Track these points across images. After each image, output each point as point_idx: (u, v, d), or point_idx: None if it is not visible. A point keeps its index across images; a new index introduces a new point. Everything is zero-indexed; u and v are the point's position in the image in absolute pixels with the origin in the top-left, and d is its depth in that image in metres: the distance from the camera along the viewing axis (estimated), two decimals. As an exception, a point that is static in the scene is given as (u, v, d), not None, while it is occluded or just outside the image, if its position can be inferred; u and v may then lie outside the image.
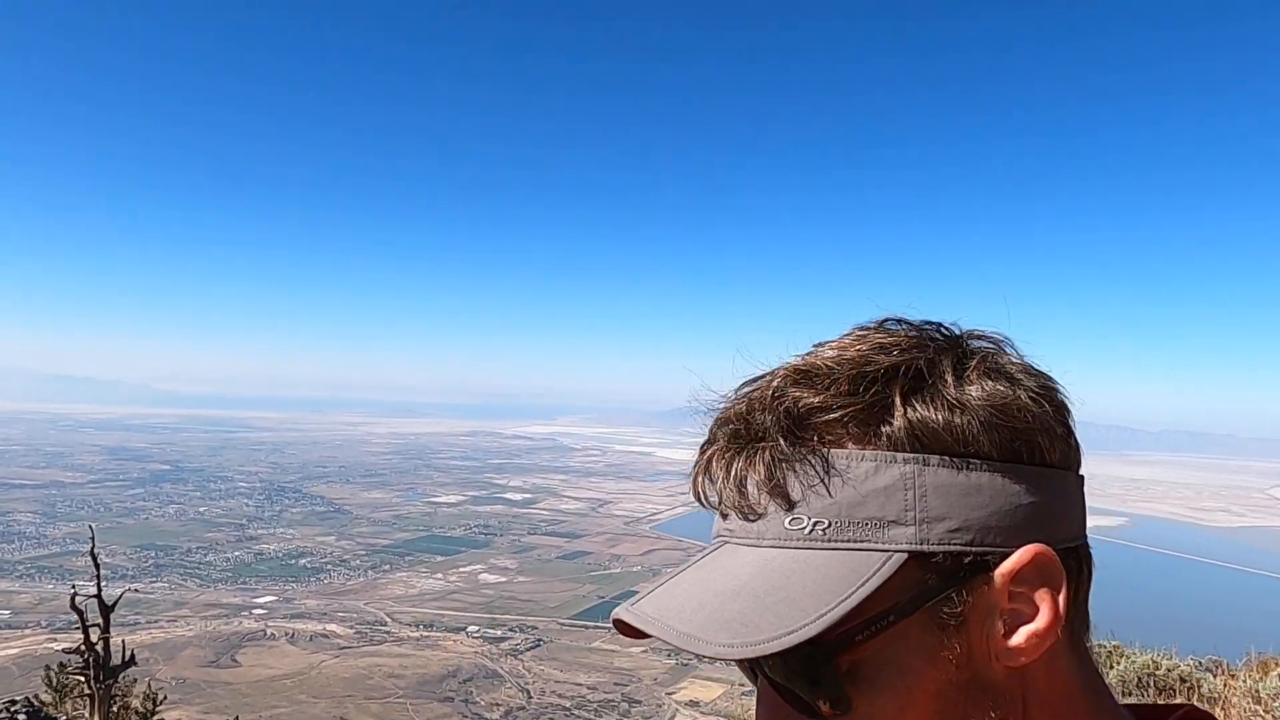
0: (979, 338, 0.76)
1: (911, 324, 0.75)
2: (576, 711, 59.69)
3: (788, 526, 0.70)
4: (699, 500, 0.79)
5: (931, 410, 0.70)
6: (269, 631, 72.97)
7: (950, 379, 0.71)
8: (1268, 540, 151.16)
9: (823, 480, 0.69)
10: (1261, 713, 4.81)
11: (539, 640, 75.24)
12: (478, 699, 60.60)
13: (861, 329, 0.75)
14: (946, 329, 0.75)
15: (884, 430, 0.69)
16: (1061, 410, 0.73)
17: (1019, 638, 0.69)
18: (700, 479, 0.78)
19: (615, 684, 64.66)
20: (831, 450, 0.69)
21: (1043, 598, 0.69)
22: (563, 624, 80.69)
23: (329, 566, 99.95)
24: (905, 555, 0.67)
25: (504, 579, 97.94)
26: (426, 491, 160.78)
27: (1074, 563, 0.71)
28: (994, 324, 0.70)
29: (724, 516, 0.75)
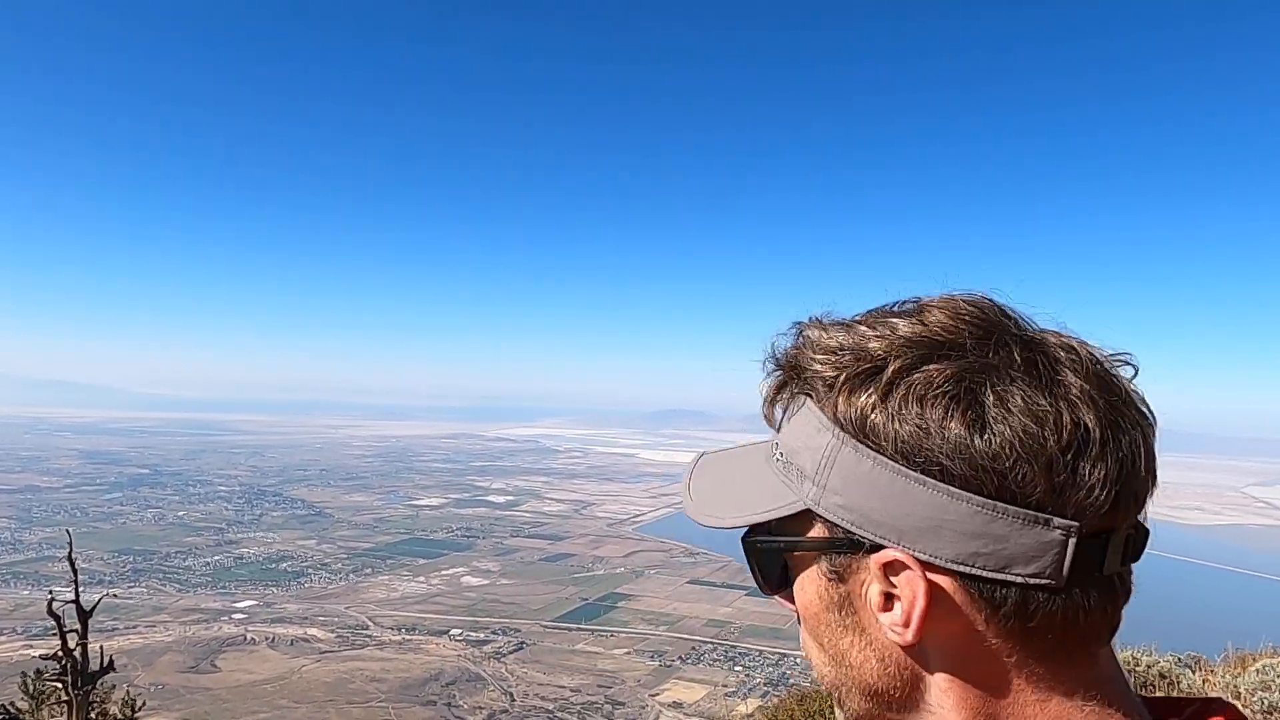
0: (1059, 343, 0.78)
1: (968, 317, 0.79)
2: (560, 714, 59.58)
3: (772, 445, 0.87)
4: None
5: (862, 400, 0.78)
6: (249, 636, 72.44)
7: (892, 381, 0.77)
8: (1243, 538, 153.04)
9: (791, 422, 0.84)
10: (1241, 706, 4.86)
11: (522, 643, 75.04)
12: (460, 702, 60.37)
13: (920, 304, 0.82)
14: (1013, 332, 0.79)
15: (831, 402, 0.80)
16: (1026, 451, 0.73)
17: (884, 618, 0.79)
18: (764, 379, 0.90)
19: (599, 686, 64.59)
20: (805, 400, 0.83)
21: (904, 598, 0.77)
22: (546, 626, 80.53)
23: (310, 570, 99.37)
24: (802, 506, 0.81)
25: (486, 582, 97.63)
26: (408, 494, 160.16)
27: (987, 590, 0.75)
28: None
29: (776, 429, 0.89)
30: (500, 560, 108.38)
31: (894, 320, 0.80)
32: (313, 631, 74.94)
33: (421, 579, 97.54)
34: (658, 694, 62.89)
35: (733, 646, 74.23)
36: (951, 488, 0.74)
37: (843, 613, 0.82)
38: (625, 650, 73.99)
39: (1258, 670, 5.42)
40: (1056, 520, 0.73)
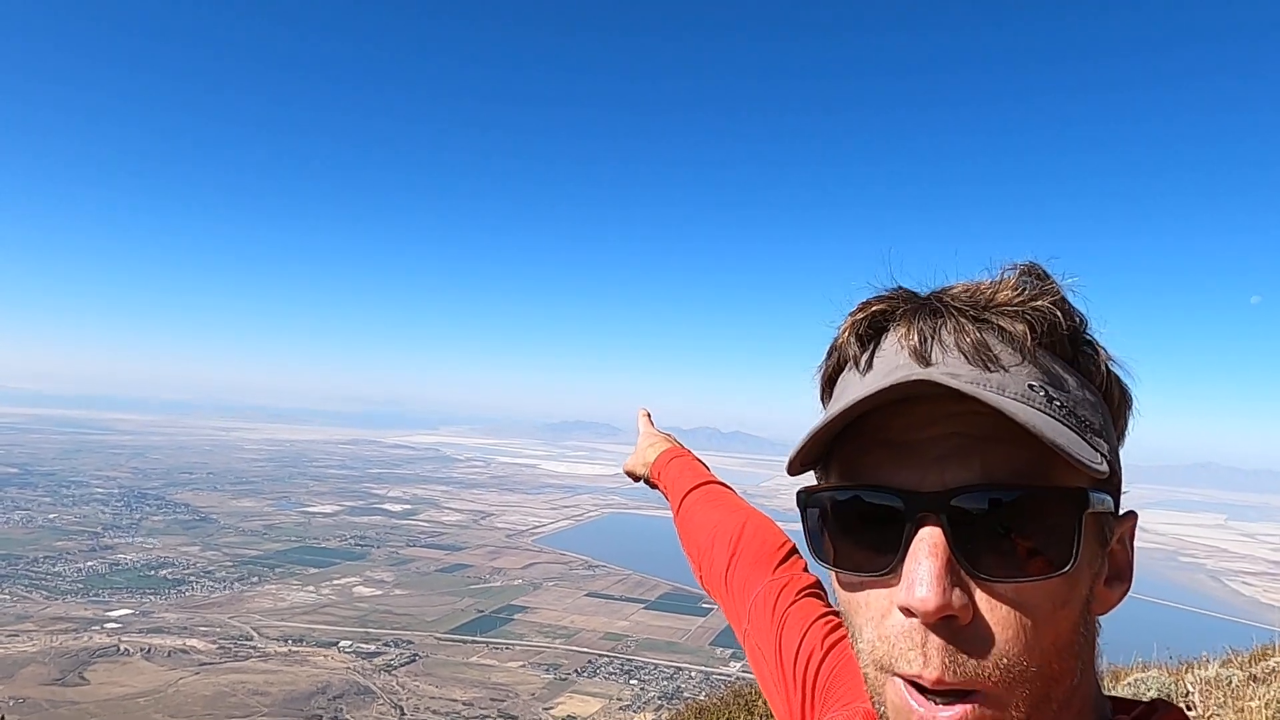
0: None
1: None
2: (451, 728, 58.52)
3: (1029, 389, 0.75)
4: (852, 346, 0.82)
5: (1116, 375, 0.81)
6: (122, 647, 68.83)
7: (1098, 342, 0.82)
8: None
9: (1063, 367, 0.78)
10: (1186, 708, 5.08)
11: (415, 655, 73.48)
12: (347, 717, 58.66)
13: (1032, 267, 0.83)
14: None
15: (1086, 361, 0.78)
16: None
17: (1114, 590, 0.76)
18: (912, 321, 0.79)
19: (492, 700, 63.73)
20: (1066, 348, 0.79)
21: (1129, 561, 0.78)
22: (440, 638, 79.07)
23: (192, 578, 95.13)
24: (1107, 463, 0.74)
25: (380, 592, 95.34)
26: (301, 501, 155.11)
27: None
28: None
29: (928, 364, 0.77)
30: (395, 570, 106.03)
31: (1053, 286, 0.81)
32: (192, 642, 71.70)
33: (311, 588, 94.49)
34: (552, 707, 62.35)
35: (629, 660, 74.30)
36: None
37: (1092, 587, 0.76)
38: (520, 663, 73.22)
39: (1130, 684, 5.70)
40: None
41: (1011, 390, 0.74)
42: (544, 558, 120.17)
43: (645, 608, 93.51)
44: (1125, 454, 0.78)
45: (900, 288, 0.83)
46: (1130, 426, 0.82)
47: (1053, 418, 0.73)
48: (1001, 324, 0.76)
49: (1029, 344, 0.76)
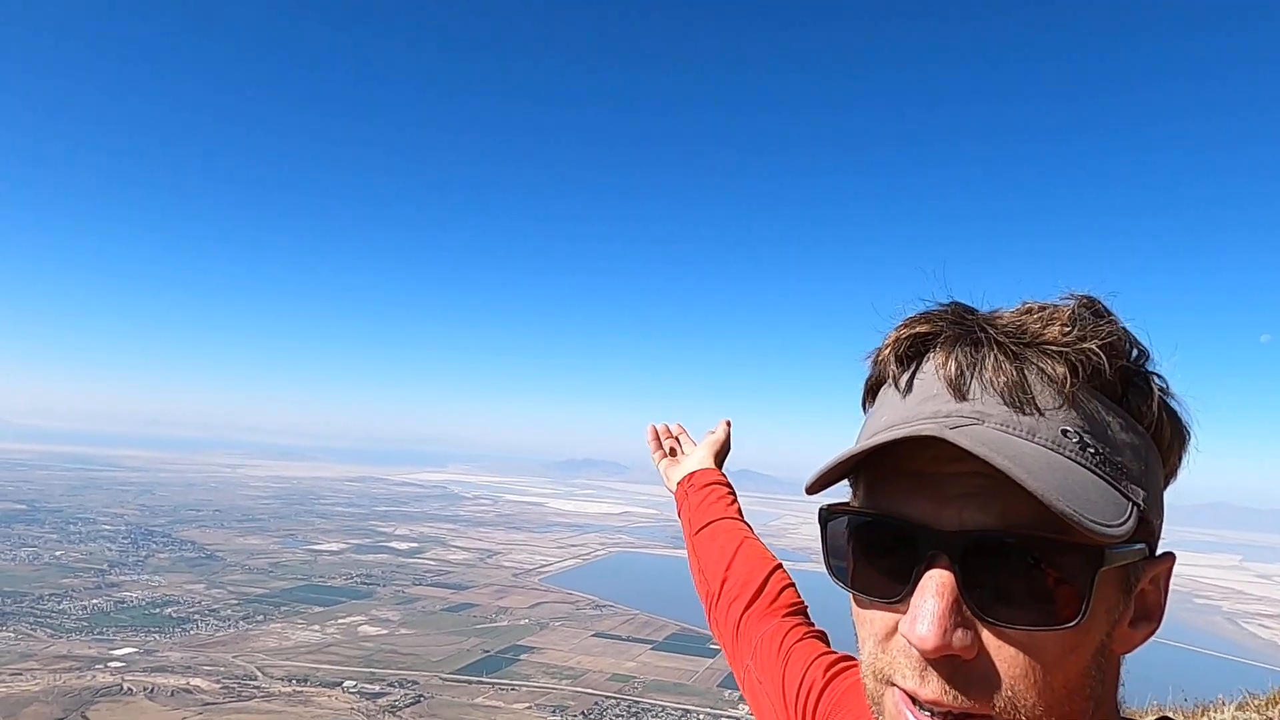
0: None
1: None
2: (456, 771, 57.69)
3: (1062, 435, 0.73)
4: (892, 366, 0.82)
5: (1172, 411, 0.78)
6: (126, 686, 68.24)
7: (1171, 393, 0.79)
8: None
9: (1105, 410, 0.74)
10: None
11: (419, 696, 72.66)
12: (351, 758, 57.94)
13: (1089, 302, 0.81)
14: None
15: (1137, 400, 0.76)
16: None
17: (1139, 630, 0.75)
18: (953, 350, 0.78)
19: (497, 742, 62.90)
20: (1099, 391, 0.76)
21: (1160, 601, 0.76)
22: (445, 679, 78.22)
23: (197, 616, 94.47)
24: (1139, 512, 0.73)
25: (385, 631, 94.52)
26: (307, 538, 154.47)
27: None
28: None
29: (963, 397, 0.76)
30: (401, 609, 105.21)
31: (1108, 318, 0.79)
32: (196, 681, 71.06)
33: (316, 627, 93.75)
34: (558, 750, 61.50)
35: (636, 701, 73.32)
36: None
37: (1112, 635, 0.76)
38: (526, 705, 72.31)
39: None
40: None
41: (1043, 435, 0.73)
42: (551, 597, 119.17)
43: (653, 648, 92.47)
44: None
45: (951, 305, 0.81)
46: (1186, 462, 0.80)
47: (1084, 466, 0.72)
48: (1042, 364, 0.75)
49: (1068, 388, 0.74)
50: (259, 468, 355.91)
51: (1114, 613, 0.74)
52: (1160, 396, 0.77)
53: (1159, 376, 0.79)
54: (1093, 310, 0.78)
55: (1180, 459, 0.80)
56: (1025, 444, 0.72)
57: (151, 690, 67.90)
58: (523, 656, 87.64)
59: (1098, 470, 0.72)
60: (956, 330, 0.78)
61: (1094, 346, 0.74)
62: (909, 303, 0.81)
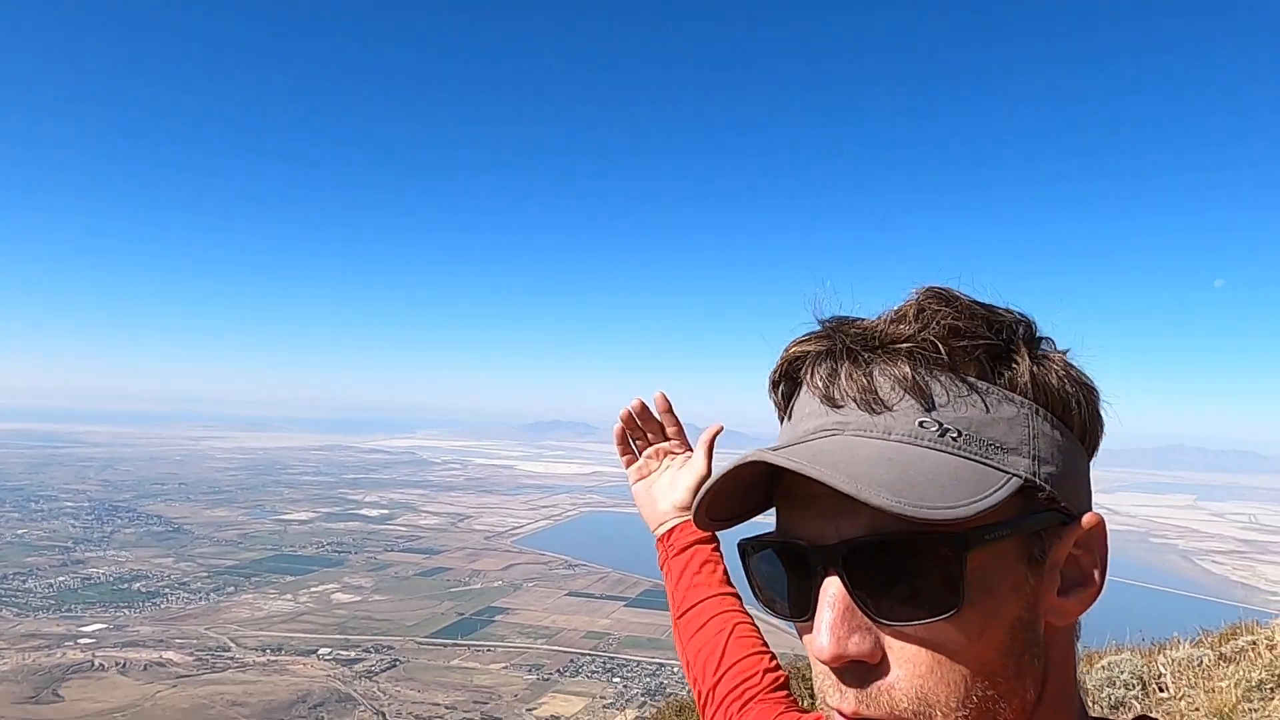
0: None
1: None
2: (434, 732, 58.29)
3: (919, 426, 0.75)
4: (782, 387, 0.85)
5: (1046, 368, 0.79)
6: (97, 662, 67.87)
7: (1054, 352, 0.81)
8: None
9: (961, 393, 0.76)
10: (1090, 702, 5.15)
11: (395, 660, 73.07)
12: (329, 724, 58.28)
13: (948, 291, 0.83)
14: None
15: (1006, 372, 0.77)
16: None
17: (1070, 597, 0.75)
18: (814, 368, 0.81)
19: (475, 702, 63.51)
20: (963, 372, 0.77)
21: (1094, 565, 0.76)
22: (420, 643, 78.69)
23: (166, 590, 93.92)
24: (1020, 482, 0.74)
25: (358, 598, 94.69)
26: (276, 509, 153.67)
27: None
28: None
29: (835, 407, 0.79)
30: (373, 576, 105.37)
31: (975, 302, 0.81)
32: (169, 655, 70.83)
33: (289, 597, 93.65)
34: (535, 708, 62.25)
35: (611, 658, 74.33)
36: (1089, 453, 0.81)
37: (1031, 608, 0.75)
38: (502, 665, 73.04)
39: (1103, 667, 5.77)
40: None
41: (899, 431, 0.75)
42: (523, 558, 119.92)
43: (626, 605, 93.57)
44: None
45: (823, 323, 0.83)
46: (1099, 415, 0.82)
47: (944, 451, 0.74)
48: (887, 363, 0.77)
49: (912, 379, 0.76)
50: (224, 439, 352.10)
51: (1024, 588, 0.74)
52: (1032, 363, 0.78)
53: (1041, 342, 0.80)
54: (940, 298, 0.80)
55: (1087, 416, 0.80)
56: (878, 444, 0.75)
57: (124, 665, 67.61)
58: (497, 618, 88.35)
59: (961, 453, 0.74)
60: (819, 347, 0.81)
61: (931, 336, 0.77)
62: (797, 326, 0.83)
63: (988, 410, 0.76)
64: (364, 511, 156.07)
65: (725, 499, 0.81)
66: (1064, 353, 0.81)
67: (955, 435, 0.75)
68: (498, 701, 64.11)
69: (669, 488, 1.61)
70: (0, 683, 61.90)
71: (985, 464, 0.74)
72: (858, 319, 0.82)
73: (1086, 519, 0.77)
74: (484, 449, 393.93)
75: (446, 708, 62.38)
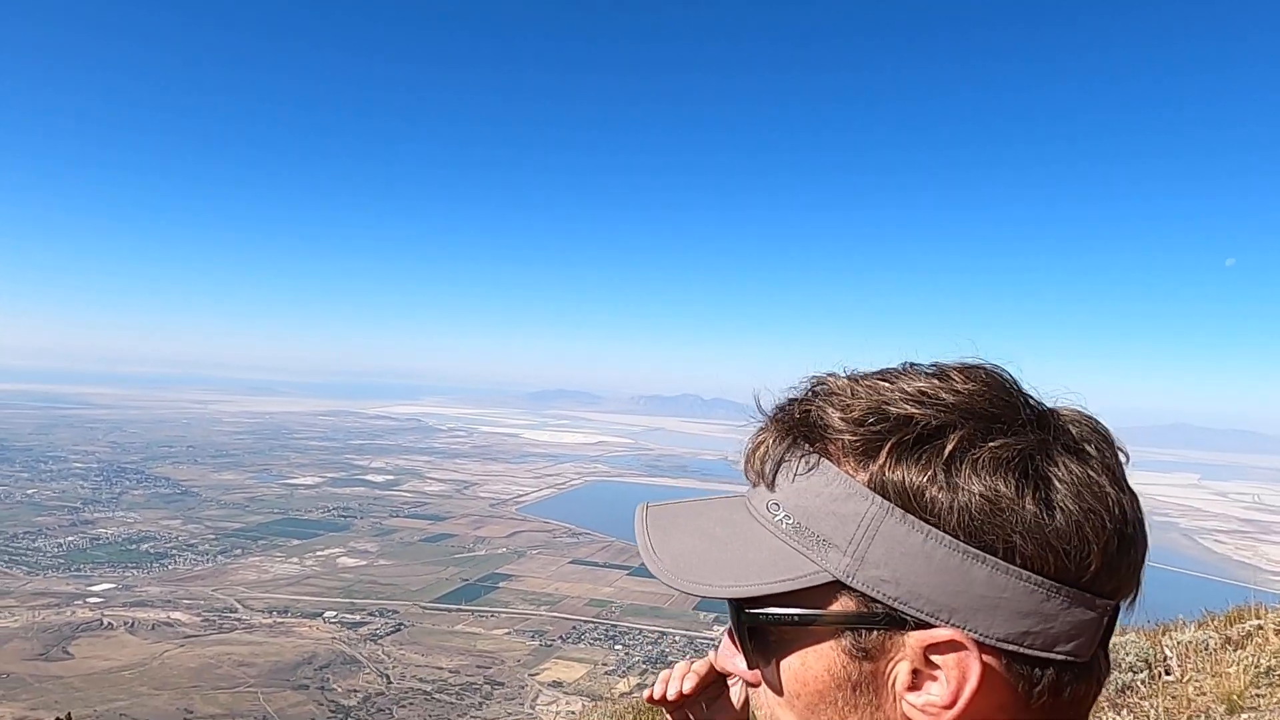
0: (1074, 423, 0.77)
1: (984, 385, 0.77)
2: (438, 695, 58.95)
3: (765, 507, 0.80)
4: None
5: (914, 471, 0.73)
6: (106, 621, 68.67)
7: (955, 452, 0.73)
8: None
9: (800, 483, 0.78)
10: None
11: (400, 624, 73.80)
12: (334, 686, 58.95)
13: (943, 369, 0.79)
14: (1033, 405, 0.77)
15: (869, 468, 0.75)
16: (1089, 528, 0.72)
17: (917, 699, 0.75)
18: (752, 436, 0.86)
19: (478, 667, 64.19)
20: (822, 462, 0.77)
21: (950, 679, 0.73)
22: (425, 607, 79.40)
23: (174, 551, 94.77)
24: (828, 578, 0.75)
25: (364, 563, 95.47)
26: (282, 473, 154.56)
27: (1032, 671, 0.74)
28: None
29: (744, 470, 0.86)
30: (378, 541, 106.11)
31: (927, 383, 0.77)
32: (176, 615, 71.64)
33: (295, 560, 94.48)
34: (537, 673, 62.93)
35: (614, 625, 74.98)
36: (1013, 566, 0.72)
37: (857, 692, 0.76)
38: (505, 630, 73.70)
39: (1109, 649, 5.76)
40: (1099, 600, 0.74)
41: (755, 505, 0.82)
42: (528, 526, 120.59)
43: (629, 574, 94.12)
44: (1096, 416, 0.75)
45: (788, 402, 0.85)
46: (1055, 546, 0.72)
47: (774, 534, 0.78)
48: (763, 442, 0.82)
49: (773, 461, 0.80)
50: (230, 403, 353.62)
51: (841, 675, 0.76)
52: (898, 464, 0.74)
53: (920, 443, 0.74)
54: (832, 384, 0.81)
55: (967, 519, 0.72)
56: (741, 514, 0.84)
57: (132, 624, 68.39)
58: (501, 584, 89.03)
59: (785, 538, 0.78)
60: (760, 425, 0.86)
61: (803, 421, 0.79)
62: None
63: (827, 503, 0.76)
64: (370, 477, 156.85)
65: None
66: (1070, 472, 0.74)
67: (789, 522, 0.77)
68: (501, 666, 64.80)
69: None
70: (11, 639, 62.71)
71: (798, 553, 0.76)
72: (792, 395, 0.84)
73: (935, 632, 0.73)
74: (490, 417, 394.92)
75: (450, 671, 63.06)
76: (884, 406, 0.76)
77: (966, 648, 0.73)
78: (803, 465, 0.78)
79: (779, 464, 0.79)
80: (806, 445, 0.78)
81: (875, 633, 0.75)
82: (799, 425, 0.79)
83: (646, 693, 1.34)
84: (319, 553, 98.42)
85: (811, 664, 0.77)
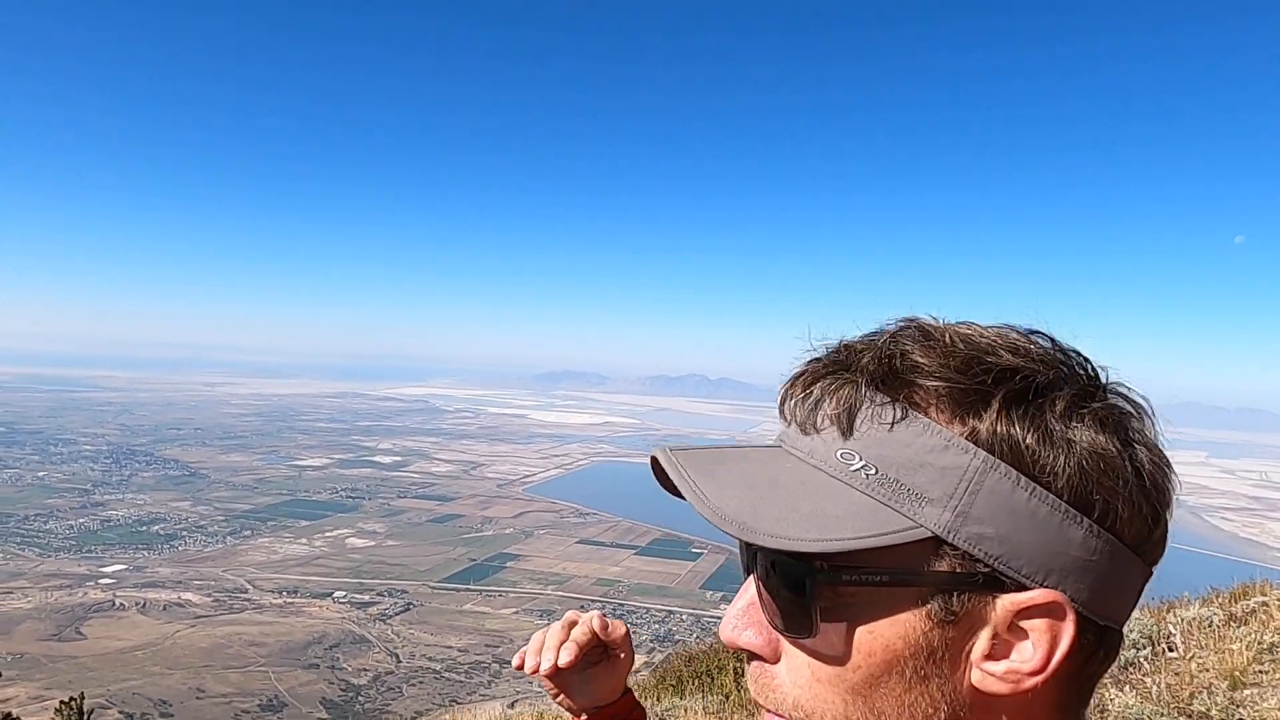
0: (1118, 393, 0.76)
1: (1059, 346, 0.75)
2: (447, 674, 59.45)
3: (838, 457, 0.72)
4: (780, 403, 0.82)
5: (1025, 425, 0.70)
6: (118, 602, 69.35)
7: (1060, 408, 0.71)
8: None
9: (885, 433, 0.71)
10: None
11: (409, 604, 74.31)
12: (344, 665, 59.50)
13: (1009, 328, 0.76)
14: (1091, 368, 0.76)
15: (970, 420, 0.70)
16: (1160, 498, 0.72)
17: (998, 666, 0.70)
18: (787, 385, 0.80)
19: (486, 646, 64.67)
20: (911, 411, 0.71)
21: (1040, 643, 0.70)
22: (433, 587, 79.95)
23: (184, 533, 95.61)
24: (925, 534, 0.68)
25: (372, 543, 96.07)
26: (290, 454, 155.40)
27: (1093, 638, 0.72)
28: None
29: (784, 422, 0.78)
30: (387, 521, 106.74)
31: (1020, 337, 0.74)
32: (187, 596, 72.31)
33: (304, 541, 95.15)
34: (546, 652, 63.34)
35: (621, 604, 75.33)
36: (1103, 530, 0.70)
37: (931, 661, 0.71)
38: (514, 610, 74.17)
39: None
40: (1147, 567, 0.74)
41: (818, 457, 0.73)
42: (535, 506, 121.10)
43: (636, 554, 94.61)
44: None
45: (834, 345, 0.80)
46: (1138, 506, 0.71)
47: (850, 486, 0.71)
48: (834, 390, 0.75)
49: (843, 409, 0.73)
50: (238, 386, 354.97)
51: (917, 640, 0.70)
52: (1004, 418, 0.70)
53: (1060, 399, 0.71)
54: (915, 331, 0.76)
55: (1110, 500, 0.70)
56: (794, 464, 0.75)
57: (144, 605, 69.02)
58: (509, 564, 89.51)
59: (866, 490, 0.70)
60: (796, 374, 0.80)
61: (886, 369, 0.73)
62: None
63: (922, 455, 0.70)
64: (377, 458, 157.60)
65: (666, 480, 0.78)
66: (1138, 431, 0.74)
67: (872, 473, 0.71)
68: (509, 645, 65.20)
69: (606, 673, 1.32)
70: (24, 620, 63.36)
71: (887, 507, 0.70)
72: (856, 341, 0.79)
73: (1035, 594, 0.69)
74: (496, 398, 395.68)
75: (459, 650, 63.57)
76: (985, 357, 0.72)
77: (1063, 611, 0.69)
78: (887, 413, 0.72)
79: (853, 410, 0.73)
80: (889, 392, 0.73)
81: (969, 595, 0.70)
82: (882, 369, 0.73)
83: (516, 660, 1.24)
84: (328, 533, 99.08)
85: (883, 631, 0.71)
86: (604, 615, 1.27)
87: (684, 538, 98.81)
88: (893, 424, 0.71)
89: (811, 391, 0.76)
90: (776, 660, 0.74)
